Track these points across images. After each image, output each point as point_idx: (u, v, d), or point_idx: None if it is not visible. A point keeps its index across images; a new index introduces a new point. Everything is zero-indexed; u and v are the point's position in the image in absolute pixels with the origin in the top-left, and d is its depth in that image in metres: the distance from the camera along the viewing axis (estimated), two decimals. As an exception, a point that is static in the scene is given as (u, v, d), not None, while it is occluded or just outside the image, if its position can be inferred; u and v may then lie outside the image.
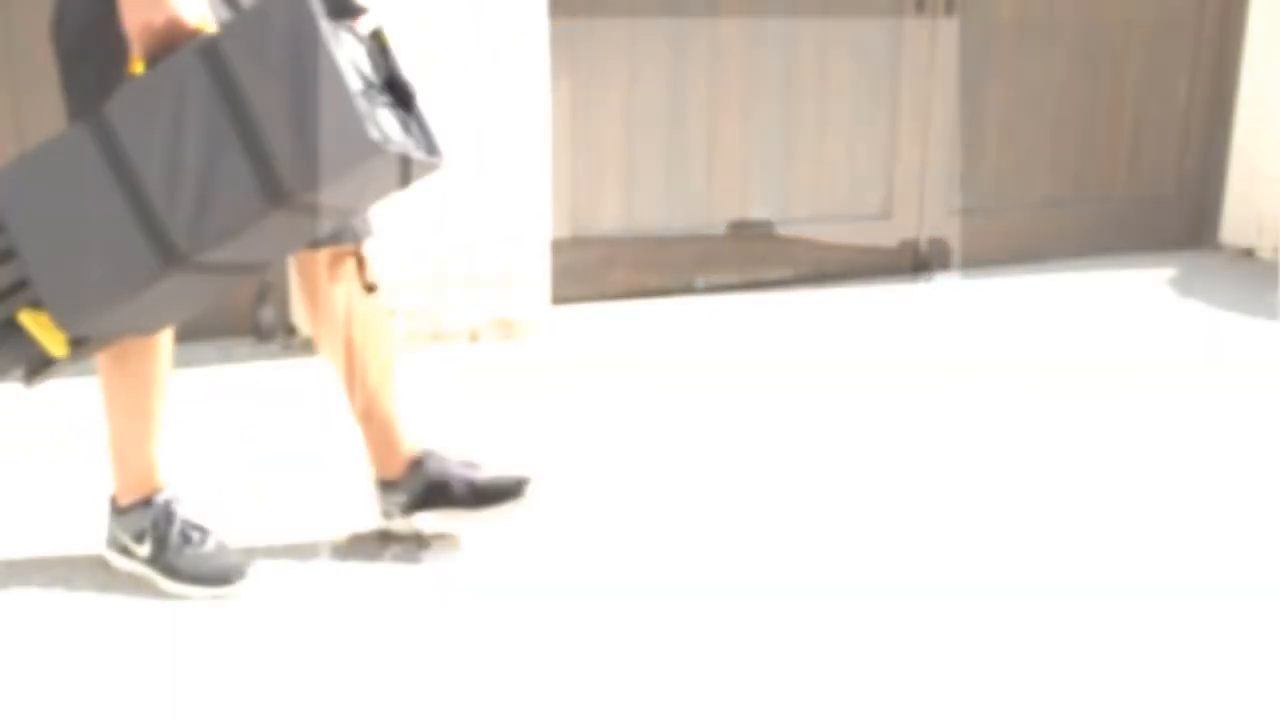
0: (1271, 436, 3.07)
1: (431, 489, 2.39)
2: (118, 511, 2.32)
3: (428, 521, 2.41)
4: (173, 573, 2.25)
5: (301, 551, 2.39)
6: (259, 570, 2.28)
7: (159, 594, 2.24)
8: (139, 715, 1.89)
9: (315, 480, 2.67)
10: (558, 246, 3.83)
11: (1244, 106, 4.84)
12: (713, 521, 2.55)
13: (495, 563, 2.36)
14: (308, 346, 3.54)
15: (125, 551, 2.31)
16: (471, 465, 2.41)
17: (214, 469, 2.74)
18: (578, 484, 2.70)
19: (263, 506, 2.57)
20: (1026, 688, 2.00)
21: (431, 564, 2.35)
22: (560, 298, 3.86)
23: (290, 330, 3.63)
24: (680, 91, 4.09)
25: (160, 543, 2.27)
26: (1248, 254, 4.86)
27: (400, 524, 2.42)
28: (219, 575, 2.24)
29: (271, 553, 2.37)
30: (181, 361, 3.42)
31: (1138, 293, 4.35)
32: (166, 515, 2.29)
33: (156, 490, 2.31)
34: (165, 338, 2.24)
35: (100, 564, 2.33)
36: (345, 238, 2.23)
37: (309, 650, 2.07)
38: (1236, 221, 4.91)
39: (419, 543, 2.40)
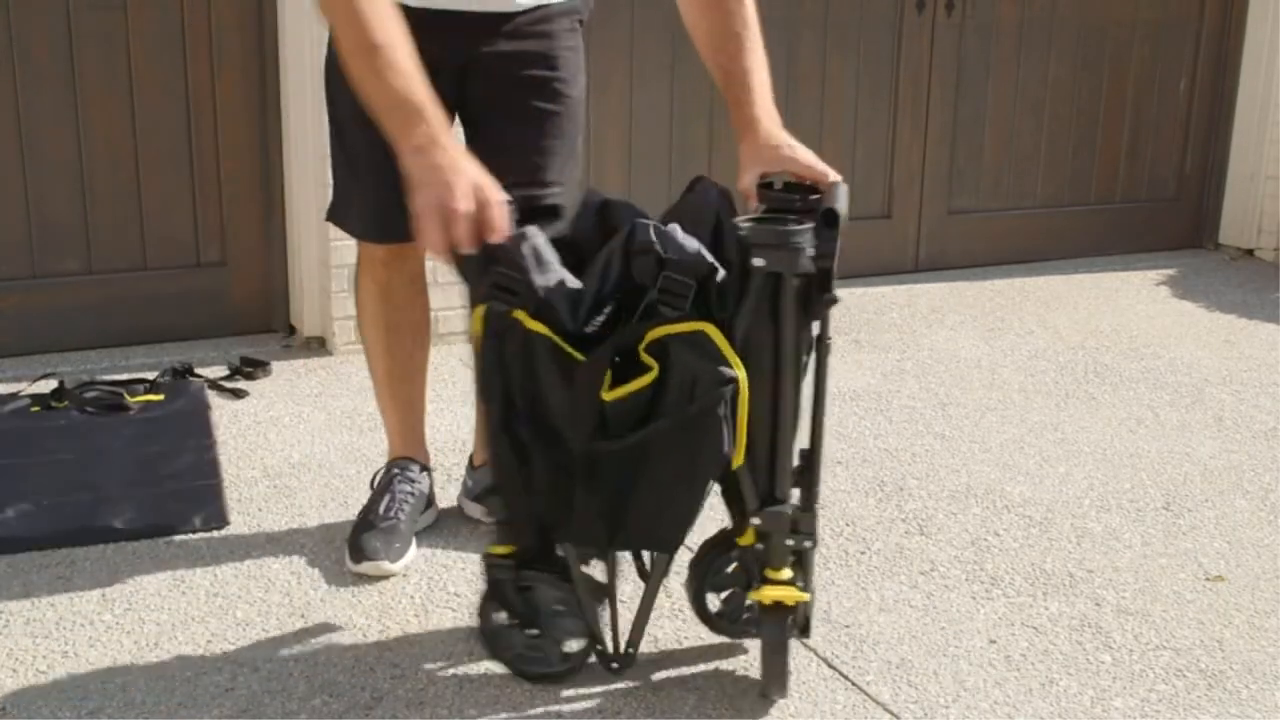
0: (1272, 437, 3.07)
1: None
2: None
3: (478, 513, 2.52)
4: (350, 543, 2.34)
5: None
6: (410, 562, 2.33)
7: (153, 591, 2.24)
8: (138, 709, 1.90)
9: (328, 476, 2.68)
10: (558, 246, 3.83)
11: (1244, 106, 4.84)
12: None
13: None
14: (309, 346, 3.54)
15: None
16: None
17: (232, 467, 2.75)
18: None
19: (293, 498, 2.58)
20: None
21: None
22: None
23: (291, 330, 3.64)
24: (681, 91, 4.09)
25: (364, 510, 2.38)
26: (1248, 254, 4.86)
27: (466, 504, 2.55)
28: (360, 551, 2.29)
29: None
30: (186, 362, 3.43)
31: (1137, 293, 4.35)
32: (382, 484, 2.40)
33: (395, 459, 2.44)
34: (426, 321, 2.43)
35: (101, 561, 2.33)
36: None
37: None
38: (1236, 221, 4.91)
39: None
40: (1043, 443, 3.01)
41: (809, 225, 1.76)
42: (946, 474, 2.82)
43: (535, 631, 1.96)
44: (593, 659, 1.98)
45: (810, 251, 1.75)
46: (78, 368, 3.36)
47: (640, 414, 1.80)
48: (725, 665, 2.04)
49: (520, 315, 1.78)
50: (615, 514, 1.86)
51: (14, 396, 3.07)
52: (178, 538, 2.44)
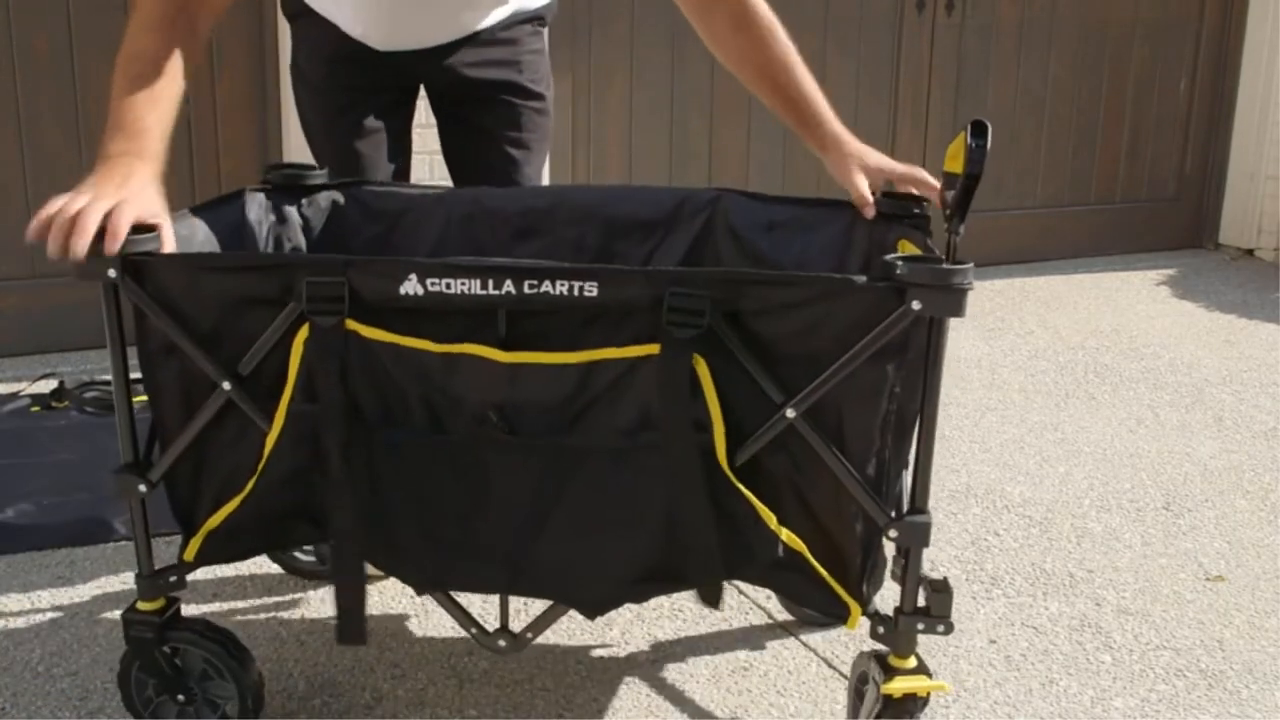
0: (1272, 437, 3.07)
1: None
2: None
3: None
4: None
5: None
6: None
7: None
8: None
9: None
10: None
11: (1244, 106, 4.84)
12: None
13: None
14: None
15: None
16: None
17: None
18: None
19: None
20: (1026, 688, 2.00)
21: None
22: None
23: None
24: (680, 91, 4.09)
25: None
26: (1248, 254, 4.86)
27: None
28: None
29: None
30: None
31: (1137, 293, 4.35)
32: None
33: None
34: None
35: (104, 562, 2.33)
36: None
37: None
38: (1236, 221, 4.91)
39: None
40: (1043, 443, 3.01)
41: (969, 263, 1.49)
42: (946, 474, 2.82)
43: (184, 698, 1.77)
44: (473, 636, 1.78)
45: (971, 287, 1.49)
46: (78, 368, 3.36)
47: (566, 414, 1.56)
48: (725, 665, 2.04)
49: (354, 325, 1.54)
50: (517, 547, 1.61)
51: (14, 396, 3.07)
52: (177, 537, 2.44)
